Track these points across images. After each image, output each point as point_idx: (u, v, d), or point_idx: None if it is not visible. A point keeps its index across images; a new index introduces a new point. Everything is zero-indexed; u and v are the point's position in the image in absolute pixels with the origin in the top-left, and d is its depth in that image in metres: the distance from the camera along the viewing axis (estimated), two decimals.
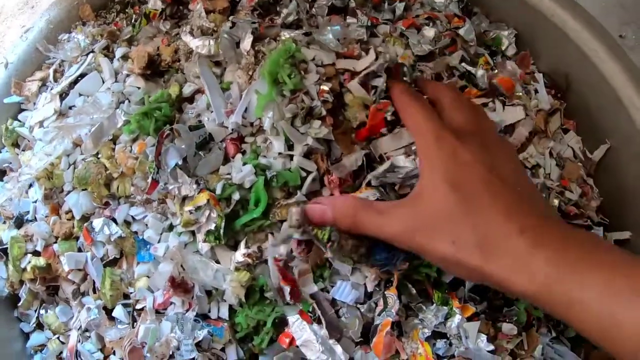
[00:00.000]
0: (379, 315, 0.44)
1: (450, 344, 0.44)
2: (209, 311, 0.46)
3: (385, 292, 0.45)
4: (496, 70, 0.55)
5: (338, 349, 0.43)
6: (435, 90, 0.45)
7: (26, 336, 0.54)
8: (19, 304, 0.52)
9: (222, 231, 0.44)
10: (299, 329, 0.44)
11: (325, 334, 0.44)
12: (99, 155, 0.49)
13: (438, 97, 0.44)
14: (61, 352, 0.51)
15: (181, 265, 0.46)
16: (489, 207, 0.35)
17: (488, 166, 0.37)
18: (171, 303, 0.46)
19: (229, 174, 0.46)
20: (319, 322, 0.44)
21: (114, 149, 0.49)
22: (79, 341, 0.49)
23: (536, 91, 0.56)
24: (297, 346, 0.44)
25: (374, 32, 0.52)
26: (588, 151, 0.58)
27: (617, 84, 0.56)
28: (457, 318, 0.44)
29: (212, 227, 0.44)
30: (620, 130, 0.56)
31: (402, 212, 0.38)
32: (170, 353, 0.45)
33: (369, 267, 0.44)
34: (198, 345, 0.45)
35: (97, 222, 0.48)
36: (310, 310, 0.45)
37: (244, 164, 0.45)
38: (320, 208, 0.41)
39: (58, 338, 0.51)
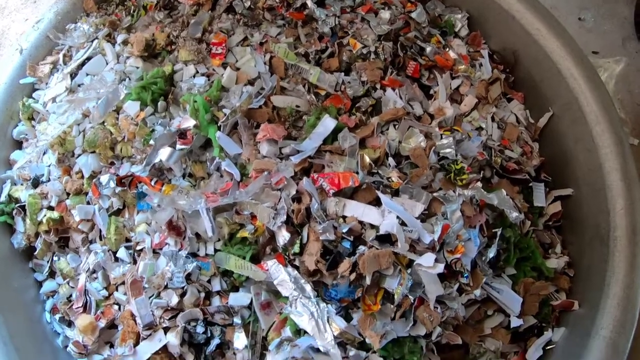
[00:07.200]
0: None
1: None
2: (198, 250, 0.61)
3: None
4: (447, 49, 0.71)
5: (307, 287, 0.58)
6: None
7: (39, 284, 0.70)
8: (35, 253, 0.68)
9: None
10: (276, 271, 0.59)
11: (297, 275, 0.58)
12: (105, 123, 0.66)
13: None
14: (71, 295, 0.67)
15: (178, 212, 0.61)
16: None
17: None
18: (166, 243, 0.62)
19: None
20: (293, 265, 0.59)
21: (117, 118, 0.65)
22: (87, 281, 0.65)
23: (481, 65, 0.71)
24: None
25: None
26: (535, 119, 0.73)
27: (557, 58, 0.71)
28: None
29: None
30: (560, 98, 0.71)
31: None
32: (165, 284, 0.60)
33: None
34: (188, 277, 0.60)
35: (104, 178, 0.64)
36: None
37: None
38: None
39: (68, 283, 0.67)
